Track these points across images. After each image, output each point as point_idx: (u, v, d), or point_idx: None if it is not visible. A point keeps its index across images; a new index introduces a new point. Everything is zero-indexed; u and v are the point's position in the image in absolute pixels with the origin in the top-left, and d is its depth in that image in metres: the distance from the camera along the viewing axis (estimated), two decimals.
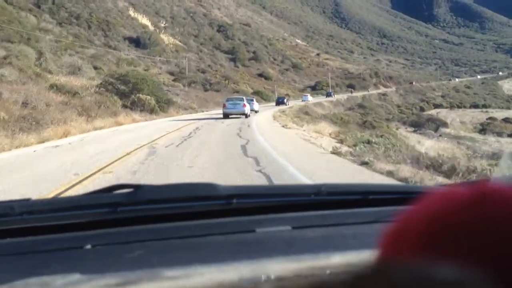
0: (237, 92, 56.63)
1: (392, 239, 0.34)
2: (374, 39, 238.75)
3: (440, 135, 28.48)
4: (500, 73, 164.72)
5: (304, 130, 17.97)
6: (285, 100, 47.35)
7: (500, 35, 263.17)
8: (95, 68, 36.48)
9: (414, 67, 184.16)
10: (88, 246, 1.06)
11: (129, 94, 26.68)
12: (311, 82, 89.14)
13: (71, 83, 25.44)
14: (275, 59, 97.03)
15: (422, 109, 70.43)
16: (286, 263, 0.66)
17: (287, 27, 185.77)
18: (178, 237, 1.11)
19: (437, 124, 31.74)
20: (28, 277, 0.63)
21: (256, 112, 30.04)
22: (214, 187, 1.26)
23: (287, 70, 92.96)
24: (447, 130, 34.16)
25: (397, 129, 30.16)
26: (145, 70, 48.52)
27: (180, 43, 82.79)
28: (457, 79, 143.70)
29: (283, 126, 19.63)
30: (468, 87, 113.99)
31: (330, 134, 16.83)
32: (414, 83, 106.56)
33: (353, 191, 1.44)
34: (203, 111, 33.68)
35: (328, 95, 69.05)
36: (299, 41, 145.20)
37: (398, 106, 69.73)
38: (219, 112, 27.32)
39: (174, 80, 47.80)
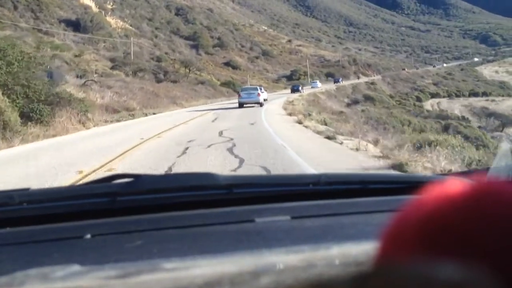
0: (202, 83, 44.43)
1: (391, 237, 0.34)
2: (340, 27, 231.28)
3: None
4: (476, 59, 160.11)
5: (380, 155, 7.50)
6: (300, 88, 47.82)
7: (466, 22, 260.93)
8: None
9: (385, 55, 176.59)
10: (88, 236, 1.05)
11: None
12: (285, 71, 77.77)
13: None
14: (243, 46, 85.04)
15: (419, 99, 60.40)
16: (286, 254, 0.66)
17: (250, 15, 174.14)
18: (178, 226, 1.10)
19: (502, 122, 20.81)
20: (27, 268, 0.63)
21: (265, 100, 28.40)
22: (213, 177, 1.26)
23: (257, 58, 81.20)
24: None
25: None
26: (76, 55, 35.73)
27: (131, 27, 69.57)
28: (436, 67, 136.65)
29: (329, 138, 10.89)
30: (449, 74, 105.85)
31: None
32: (406, 69, 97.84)
33: (352, 181, 1.43)
34: (146, 115, 21.23)
35: (336, 81, 67.28)
36: (265, 28, 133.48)
37: (391, 97, 59.37)
38: (179, 117, 19.08)
39: (112, 68, 35.03)
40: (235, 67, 70.69)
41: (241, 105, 25.18)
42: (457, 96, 65.20)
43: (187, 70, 45.87)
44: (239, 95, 26.30)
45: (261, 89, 28.51)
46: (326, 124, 14.56)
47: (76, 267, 0.65)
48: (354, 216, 1.15)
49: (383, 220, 0.34)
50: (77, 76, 26.02)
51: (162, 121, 17.08)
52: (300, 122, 14.60)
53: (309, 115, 16.82)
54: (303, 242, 0.87)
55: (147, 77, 35.86)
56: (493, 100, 58.78)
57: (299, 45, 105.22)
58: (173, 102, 28.33)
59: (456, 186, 0.33)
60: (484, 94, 66.56)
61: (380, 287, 0.29)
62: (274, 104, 27.05)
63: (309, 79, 69.52)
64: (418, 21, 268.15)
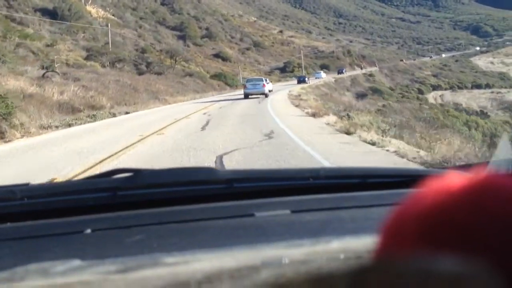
0: (190, 75, 40.35)
1: (391, 231, 0.33)
2: (330, 19, 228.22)
3: None
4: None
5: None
6: (306, 79, 48.80)
7: (455, 13, 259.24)
8: None
9: (376, 47, 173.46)
10: (88, 231, 1.05)
11: None
12: (278, 63, 73.94)
13: None
14: (232, 37, 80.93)
15: (420, 92, 57.00)
16: (285, 248, 0.66)
17: (239, 7, 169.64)
18: (178, 221, 1.10)
19: None
20: (28, 263, 0.62)
21: (270, 91, 28.61)
22: (213, 171, 1.28)
23: (247, 49, 77.19)
24: None
25: None
26: (48, 45, 31.52)
27: (113, 17, 65.07)
28: (429, 58, 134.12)
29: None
30: (445, 65, 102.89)
31: None
32: (404, 60, 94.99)
33: (352, 175, 1.43)
34: (114, 115, 16.50)
35: (340, 72, 66.96)
36: (255, 19, 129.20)
37: (392, 89, 55.85)
38: (155, 119, 14.61)
39: (87, 58, 30.76)
40: (225, 59, 66.69)
41: (246, 96, 25.80)
42: (460, 88, 61.93)
43: (173, 61, 41.38)
44: (245, 86, 27.23)
45: (266, 80, 29.31)
46: (382, 133, 9.69)
47: (76, 262, 0.65)
48: (353, 210, 1.15)
49: (382, 214, 0.35)
50: (43, 67, 21.89)
51: (126, 129, 11.89)
52: (348, 132, 9.39)
53: (348, 116, 12.31)
54: (303, 236, 0.88)
55: (127, 68, 31.57)
56: (498, 92, 55.56)
57: (291, 36, 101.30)
58: (155, 97, 23.97)
59: (455, 179, 0.33)
60: (487, 86, 63.38)
61: (380, 281, 0.29)
62: (285, 102, 21.85)
63: (303, 71, 65.82)
64: (407, 13, 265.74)
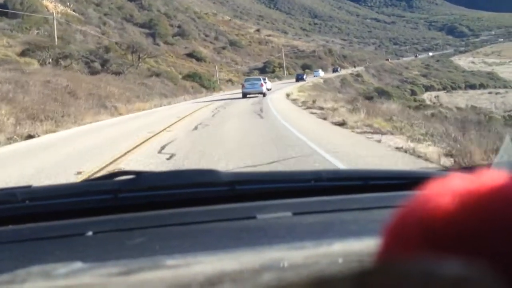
0: (157, 75, 34.32)
1: (393, 233, 0.33)
2: (305, 20, 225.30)
3: None
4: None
5: None
6: (304, 77, 50.48)
7: (430, 13, 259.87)
8: None
9: (353, 47, 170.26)
10: (90, 233, 1.05)
11: None
12: (257, 63, 68.44)
13: None
14: (207, 36, 75.02)
15: (413, 93, 52.42)
16: (287, 251, 0.66)
17: (212, 6, 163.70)
18: (179, 223, 1.09)
19: None
20: (29, 266, 0.62)
21: (269, 90, 29.51)
22: (215, 174, 1.26)
23: (223, 48, 71.44)
24: None
25: None
26: None
27: (74, 13, 58.41)
28: (417, 56, 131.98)
29: None
30: (428, 65, 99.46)
31: None
32: (389, 60, 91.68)
33: (354, 177, 1.43)
34: None
35: (335, 70, 67.70)
36: (230, 18, 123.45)
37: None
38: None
39: (22, 54, 24.37)
40: (199, 59, 60.83)
41: (244, 95, 25.82)
42: (453, 88, 57.63)
43: (136, 58, 34.72)
44: (243, 86, 27.67)
45: (264, 79, 29.58)
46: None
47: (78, 264, 0.64)
48: (355, 212, 1.14)
49: (385, 216, 0.35)
50: None
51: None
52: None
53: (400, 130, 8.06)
54: (305, 238, 0.88)
55: (77, 67, 25.34)
56: (497, 93, 51.36)
57: (269, 35, 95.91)
58: (102, 105, 17.55)
59: (459, 181, 0.33)
60: (481, 86, 59.33)
61: (382, 284, 0.28)
62: (299, 112, 15.29)
63: (285, 71, 60.73)
64: (382, 13, 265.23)
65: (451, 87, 57.98)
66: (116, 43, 50.76)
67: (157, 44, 61.46)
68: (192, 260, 0.62)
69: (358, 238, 0.70)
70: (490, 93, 52.54)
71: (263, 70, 64.77)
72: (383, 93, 35.37)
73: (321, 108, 14.36)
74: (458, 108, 32.45)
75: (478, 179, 0.32)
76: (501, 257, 0.29)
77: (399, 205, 0.34)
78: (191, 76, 39.55)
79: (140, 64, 34.51)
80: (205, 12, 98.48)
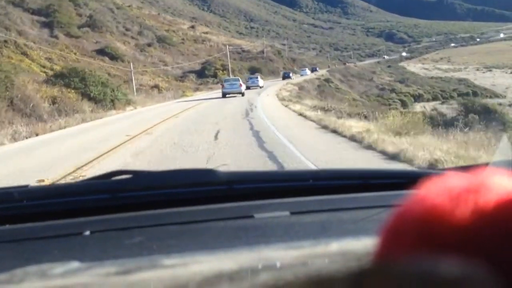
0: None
1: (391, 232, 0.33)
2: (241, 23, 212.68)
3: None
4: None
5: None
6: (291, 74, 52.54)
7: (365, 20, 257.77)
8: None
9: (293, 52, 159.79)
10: (87, 233, 1.04)
11: None
12: (193, 65, 53.10)
13: None
14: (127, 29, 58.58)
15: (404, 104, 39.59)
16: (285, 250, 0.66)
17: (140, 6, 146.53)
18: (177, 223, 1.09)
19: None
20: (27, 265, 0.62)
21: (260, 87, 34.30)
22: (213, 173, 1.26)
23: (149, 45, 55.48)
24: None
25: None
26: None
27: None
28: (385, 58, 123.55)
29: None
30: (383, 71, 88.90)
31: None
32: (347, 63, 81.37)
33: (352, 176, 1.42)
34: None
35: (314, 70, 69.68)
36: (159, 13, 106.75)
37: (355, 99, 37.90)
38: None
39: None
40: (115, 57, 44.81)
41: (224, 95, 27.35)
42: (444, 98, 45.53)
43: None
44: (223, 86, 28.91)
45: (257, 78, 36.28)
46: None
47: (75, 264, 0.64)
48: (353, 211, 1.14)
49: (382, 216, 0.33)
50: None
51: None
52: None
53: None
54: (303, 237, 0.89)
55: None
56: (510, 104, 39.70)
57: (206, 32, 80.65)
58: None
59: (455, 180, 0.33)
60: (475, 94, 47.88)
61: (380, 283, 0.28)
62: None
63: (230, 74, 46.15)
64: (318, 19, 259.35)
65: (441, 96, 46.02)
66: None
67: (55, 37, 44.76)
68: (190, 260, 0.62)
69: (355, 237, 0.70)
70: (500, 104, 41.01)
71: (201, 74, 49.83)
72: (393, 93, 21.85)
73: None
74: None
75: (475, 178, 0.33)
76: (498, 256, 0.29)
77: (397, 205, 0.34)
78: (61, 77, 20.18)
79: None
80: (128, 5, 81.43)
